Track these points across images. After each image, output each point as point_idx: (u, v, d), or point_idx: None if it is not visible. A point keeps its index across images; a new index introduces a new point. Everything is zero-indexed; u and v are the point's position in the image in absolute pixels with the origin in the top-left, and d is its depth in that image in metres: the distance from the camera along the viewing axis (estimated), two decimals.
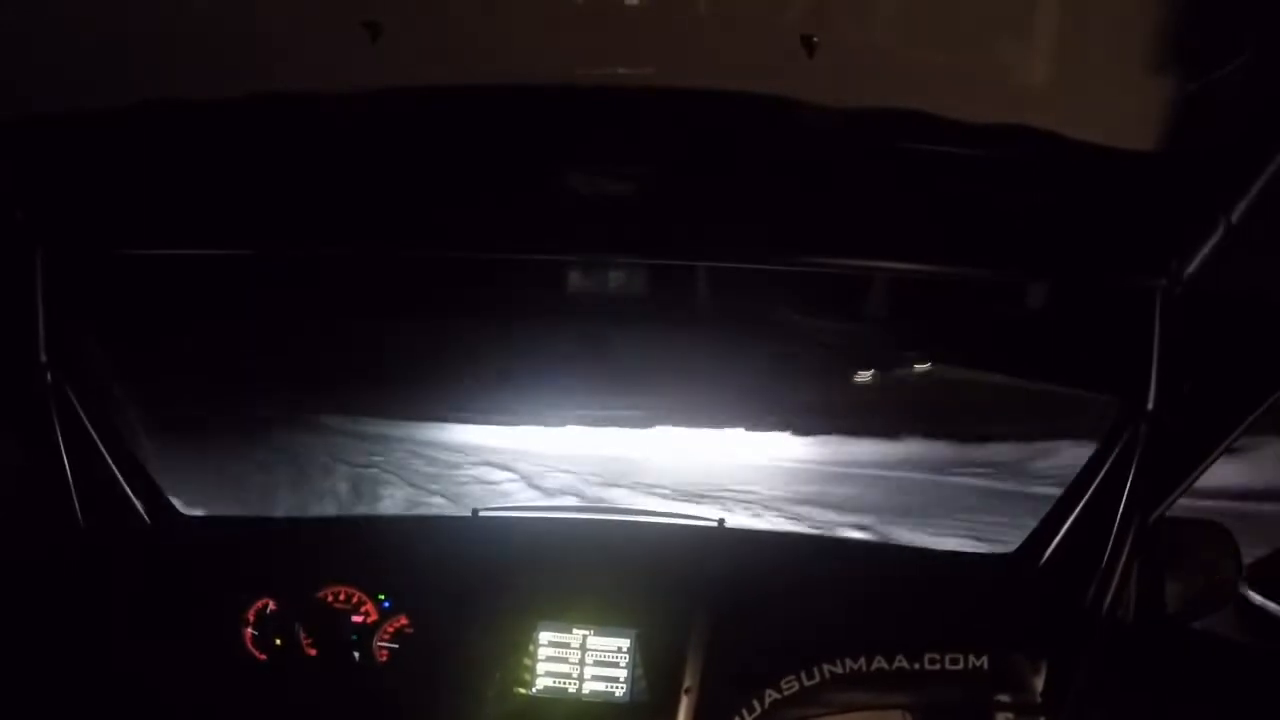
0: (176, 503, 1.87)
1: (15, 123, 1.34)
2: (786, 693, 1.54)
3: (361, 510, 7.24)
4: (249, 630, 1.67)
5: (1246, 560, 1.51)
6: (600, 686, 1.61)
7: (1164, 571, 1.49)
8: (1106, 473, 1.57)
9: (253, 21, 1.16)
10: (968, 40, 1.14)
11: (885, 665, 1.55)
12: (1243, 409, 1.34)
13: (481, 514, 1.94)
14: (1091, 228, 1.44)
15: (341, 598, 1.69)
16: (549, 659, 1.62)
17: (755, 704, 1.53)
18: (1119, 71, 1.13)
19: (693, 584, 1.67)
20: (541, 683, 1.61)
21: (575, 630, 1.63)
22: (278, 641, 1.67)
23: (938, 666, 1.55)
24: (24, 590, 1.67)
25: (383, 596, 1.69)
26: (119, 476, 1.76)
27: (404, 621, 1.68)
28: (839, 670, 1.55)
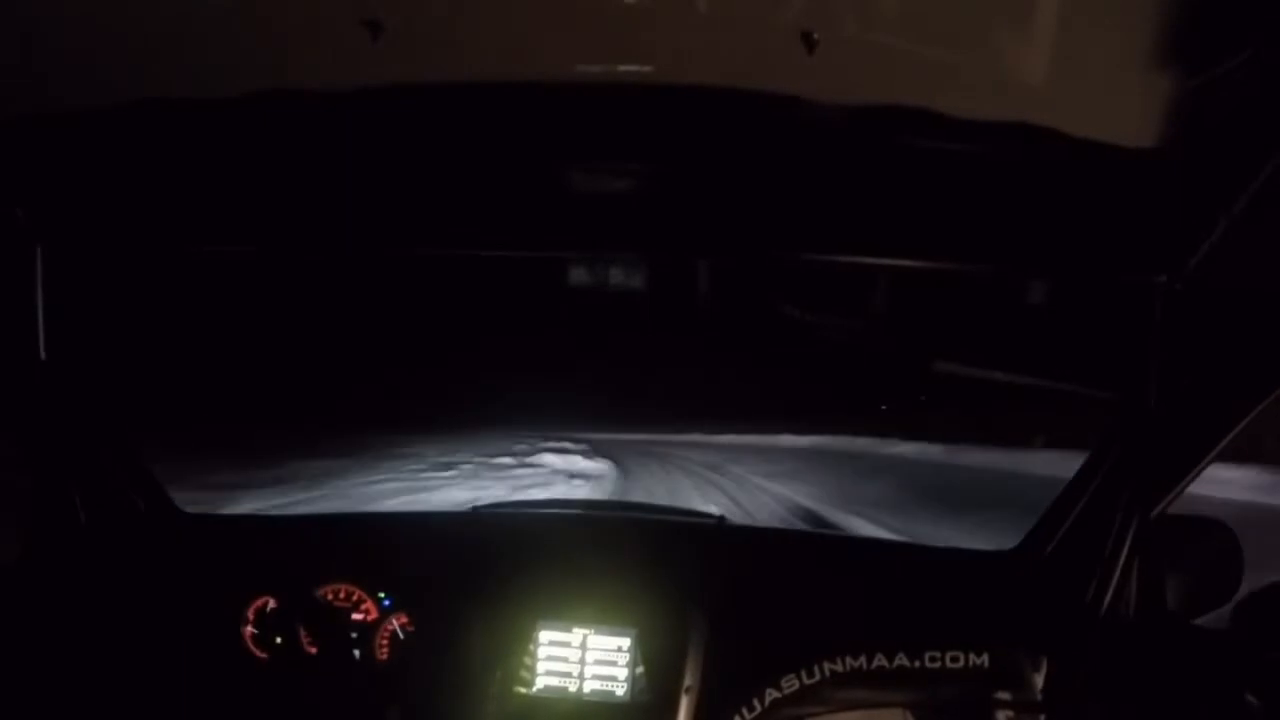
0: (176, 501, 1.87)
1: (15, 122, 1.33)
2: (787, 691, 1.54)
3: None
4: (249, 629, 1.68)
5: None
6: (600, 685, 1.61)
7: (1165, 568, 1.49)
8: (1107, 469, 1.57)
9: (252, 20, 1.15)
10: (969, 37, 1.13)
11: (886, 663, 1.55)
12: (1243, 405, 1.34)
13: (481, 511, 1.94)
14: (1093, 224, 1.44)
15: (342, 596, 1.69)
16: (549, 658, 1.62)
17: (755, 703, 1.53)
18: (1121, 68, 1.13)
19: (693, 582, 1.67)
20: (542, 682, 1.61)
21: (575, 629, 1.63)
22: (278, 640, 1.68)
23: (938, 664, 1.55)
24: (24, 589, 1.67)
25: (383, 595, 1.69)
26: (119, 475, 1.76)
27: (404, 620, 1.68)
28: (839, 668, 1.55)
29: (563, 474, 11.03)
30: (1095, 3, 1.08)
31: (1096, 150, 1.26)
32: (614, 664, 1.61)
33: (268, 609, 1.69)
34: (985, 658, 1.55)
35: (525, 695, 1.61)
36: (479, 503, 2.02)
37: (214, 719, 1.67)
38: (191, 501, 1.92)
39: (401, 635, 1.68)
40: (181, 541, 1.83)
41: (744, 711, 1.53)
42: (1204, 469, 1.42)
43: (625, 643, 1.62)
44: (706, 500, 9.24)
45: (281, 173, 1.49)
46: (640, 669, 1.60)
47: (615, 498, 9.10)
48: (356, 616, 1.69)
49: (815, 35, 1.11)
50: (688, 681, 1.57)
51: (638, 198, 1.51)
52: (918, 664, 1.55)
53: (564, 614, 1.65)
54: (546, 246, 1.62)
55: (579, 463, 12.28)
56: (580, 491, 9.56)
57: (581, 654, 1.62)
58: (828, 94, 1.24)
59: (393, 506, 7.76)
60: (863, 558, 1.92)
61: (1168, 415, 1.49)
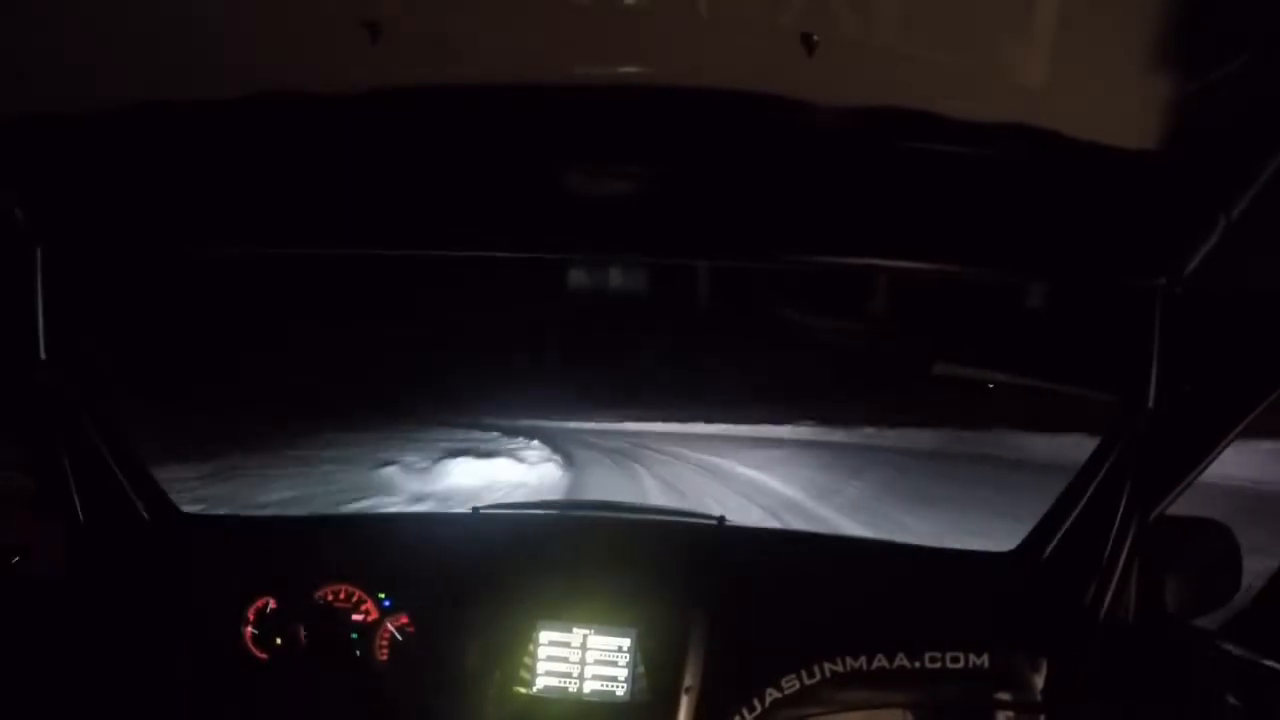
0: (176, 502, 1.87)
1: (15, 122, 1.34)
2: (787, 691, 1.54)
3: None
4: (249, 629, 1.68)
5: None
6: (600, 685, 1.61)
7: (1164, 570, 1.49)
8: (1107, 471, 1.57)
9: (253, 22, 1.16)
10: (968, 39, 1.14)
11: (886, 664, 1.55)
12: (1243, 407, 1.34)
13: (482, 512, 1.94)
14: (1092, 227, 1.44)
15: (342, 596, 1.69)
16: (549, 658, 1.62)
17: (755, 703, 1.54)
18: (1119, 71, 1.13)
19: (693, 583, 1.67)
20: (542, 682, 1.62)
21: (575, 629, 1.63)
22: (278, 640, 1.68)
23: (938, 665, 1.55)
24: (23, 589, 1.67)
25: (383, 595, 1.69)
26: (119, 475, 1.76)
27: (404, 620, 1.68)
28: (839, 669, 1.55)
29: (550, 466, 11.03)
30: (1094, 6, 1.08)
31: (1096, 152, 1.26)
32: (614, 664, 1.61)
33: (268, 609, 1.69)
34: (985, 658, 1.55)
35: (525, 695, 1.61)
36: (480, 501, 2.01)
37: (214, 719, 1.68)
38: (190, 501, 1.92)
39: (401, 636, 1.68)
40: (182, 542, 1.83)
41: (744, 711, 1.53)
42: (1203, 471, 1.42)
43: (625, 643, 1.62)
44: (698, 490, 9.28)
45: (281, 174, 1.49)
46: (640, 669, 1.60)
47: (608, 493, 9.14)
48: (356, 617, 1.69)
49: (815, 37, 1.11)
50: (688, 681, 1.57)
51: (637, 200, 1.51)
52: (918, 664, 1.55)
53: (564, 614, 1.65)
54: (545, 249, 1.62)
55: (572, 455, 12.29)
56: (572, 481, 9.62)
57: (582, 654, 1.62)
58: (827, 96, 1.24)
59: (396, 493, 7.80)
60: (863, 558, 1.92)
61: (1167, 417, 1.49)
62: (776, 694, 1.54)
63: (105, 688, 1.65)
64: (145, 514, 1.79)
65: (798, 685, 1.54)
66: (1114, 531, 1.51)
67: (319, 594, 1.70)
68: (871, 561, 1.89)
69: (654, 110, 1.31)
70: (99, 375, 1.75)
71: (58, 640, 1.66)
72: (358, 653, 1.67)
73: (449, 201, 1.52)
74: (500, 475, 9.66)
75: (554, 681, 1.62)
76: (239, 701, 1.66)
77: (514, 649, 1.63)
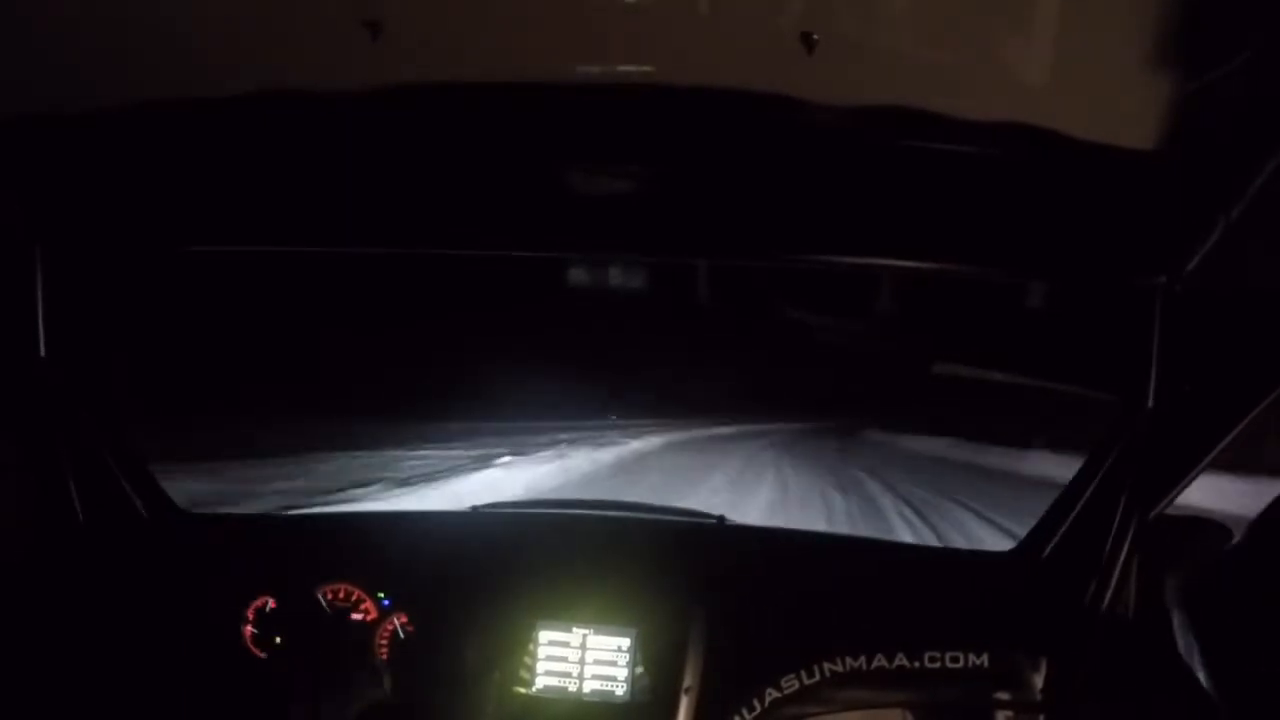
0: (176, 501, 1.87)
1: (15, 122, 1.34)
2: (787, 691, 1.54)
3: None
4: (249, 628, 1.68)
5: None
6: (600, 685, 1.61)
7: (1164, 570, 1.49)
8: (1107, 470, 1.57)
9: (252, 20, 1.16)
10: (968, 38, 1.14)
11: (885, 663, 1.55)
12: (1243, 407, 1.34)
13: (481, 511, 1.94)
14: (1092, 226, 1.44)
15: (341, 595, 1.69)
16: (549, 658, 1.62)
17: (755, 703, 1.54)
18: (1119, 70, 1.13)
19: (693, 582, 1.67)
20: (541, 682, 1.62)
21: (575, 629, 1.63)
22: (278, 640, 1.68)
23: (938, 664, 1.55)
24: (24, 588, 1.67)
25: (382, 594, 1.69)
26: (119, 474, 1.76)
27: (404, 619, 1.68)
28: (839, 668, 1.55)
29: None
30: (1094, 5, 1.08)
31: (1096, 152, 1.26)
32: (614, 664, 1.61)
33: (267, 609, 1.69)
34: (985, 658, 1.55)
35: (525, 695, 1.61)
36: (480, 501, 2.01)
37: (213, 718, 1.68)
38: (190, 501, 1.92)
39: (401, 635, 1.68)
40: (181, 541, 1.83)
41: (744, 711, 1.53)
42: (1203, 470, 1.42)
43: (625, 643, 1.62)
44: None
45: (281, 173, 1.49)
46: (640, 669, 1.60)
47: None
48: (356, 616, 1.69)
49: (815, 36, 1.11)
50: (688, 681, 1.57)
51: (637, 199, 1.51)
52: (917, 664, 1.55)
53: (564, 614, 1.65)
54: (545, 247, 1.62)
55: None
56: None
57: (581, 654, 1.62)
58: (827, 95, 1.24)
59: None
60: (863, 558, 1.92)
61: (1167, 416, 1.49)
62: (776, 694, 1.54)
63: (105, 687, 1.65)
64: (145, 514, 1.79)
65: (798, 685, 1.54)
66: (1114, 531, 1.51)
67: (319, 593, 1.69)
68: (872, 561, 1.89)
69: (654, 110, 1.31)
70: (99, 375, 1.75)
71: (58, 640, 1.66)
72: (358, 653, 1.67)
73: (449, 200, 1.53)
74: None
75: (554, 681, 1.62)
76: (238, 700, 1.66)
77: (514, 649, 1.63)
